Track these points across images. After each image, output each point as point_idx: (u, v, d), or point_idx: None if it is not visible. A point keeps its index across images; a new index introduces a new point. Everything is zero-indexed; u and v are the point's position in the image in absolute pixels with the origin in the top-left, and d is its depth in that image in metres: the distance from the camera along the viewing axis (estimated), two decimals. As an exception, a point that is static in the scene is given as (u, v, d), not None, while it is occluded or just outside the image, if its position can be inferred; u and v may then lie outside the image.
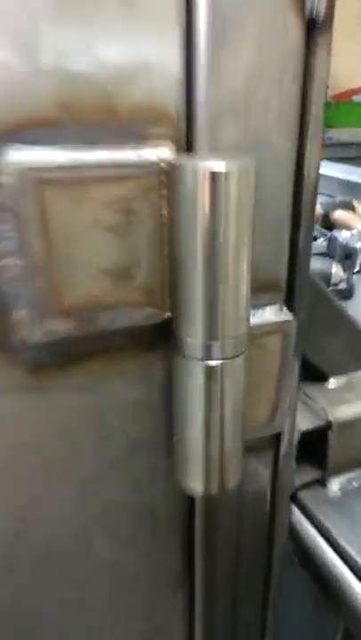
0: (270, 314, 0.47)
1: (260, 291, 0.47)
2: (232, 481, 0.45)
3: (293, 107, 0.41)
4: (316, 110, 0.42)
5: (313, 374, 0.60)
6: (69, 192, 0.36)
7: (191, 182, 0.35)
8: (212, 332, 0.39)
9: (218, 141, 0.40)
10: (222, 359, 0.40)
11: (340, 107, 3.97)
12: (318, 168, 0.45)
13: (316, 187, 0.45)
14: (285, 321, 0.48)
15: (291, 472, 0.54)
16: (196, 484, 0.44)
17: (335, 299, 0.59)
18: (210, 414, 0.42)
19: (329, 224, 1.54)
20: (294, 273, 0.48)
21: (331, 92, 3.86)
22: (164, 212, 0.39)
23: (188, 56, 0.37)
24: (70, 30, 0.34)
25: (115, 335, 0.41)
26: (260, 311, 0.47)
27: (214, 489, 0.44)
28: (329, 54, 0.40)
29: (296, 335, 0.49)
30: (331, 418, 0.55)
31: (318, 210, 1.54)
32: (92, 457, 0.45)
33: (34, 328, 0.38)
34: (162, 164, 0.38)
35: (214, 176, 0.35)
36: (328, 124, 4.00)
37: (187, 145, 0.40)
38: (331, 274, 1.12)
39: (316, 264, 1.13)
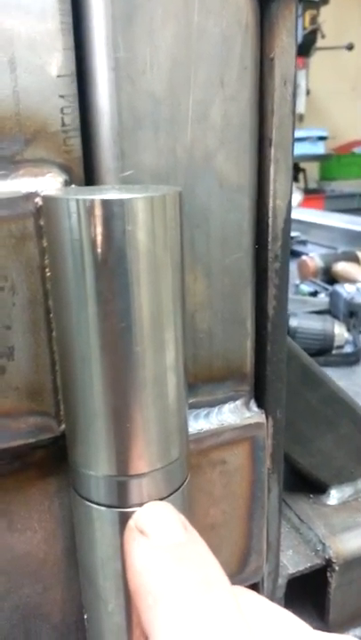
0: (230, 414, 0.33)
1: (215, 381, 0.32)
2: None
3: (246, 113, 0.28)
4: (281, 116, 0.29)
5: (307, 485, 0.45)
6: None
7: (71, 223, 0.22)
8: (124, 462, 0.25)
9: (134, 168, 0.27)
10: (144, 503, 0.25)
11: (341, 159, 3.96)
12: (289, 204, 0.31)
13: (287, 229, 0.32)
14: (254, 423, 0.33)
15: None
16: None
17: (330, 378, 0.44)
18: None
19: (330, 277, 1.41)
20: (265, 352, 0.34)
21: (332, 146, 3.86)
22: (50, 274, 0.25)
23: (80, 38, 0.25)
24: None
25: (-16, 460, 0.27)
26: (215, 410, 0.33)
27: None
28: (294, 32, 0.28)
29: (273, 441, 0.35)
30: (331, 554, 0.40)
31: (318, 263, 1.41)
32: None
33: None
34: (41, 203, 0.25)
35: (107, 210, 0.21)
36: (330, 177, 3.98)
37: (89, 175, 0.27)
38: (334, 335, 0.97)
39: (317, 324, 0.98)
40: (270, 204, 0.31)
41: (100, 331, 0.23)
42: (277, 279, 0.32)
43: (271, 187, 0.30)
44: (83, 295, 0.23)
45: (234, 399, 0.33)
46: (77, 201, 0.21)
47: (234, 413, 0.33)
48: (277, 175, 0.30)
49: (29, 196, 0.24)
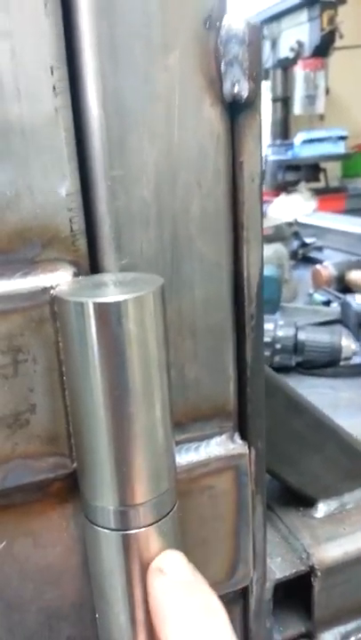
0: (217, 446, 0.39)
1: (203, 420, 0.39)
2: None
3: (220, 205, 0.35)
4: (250, 205, 0.35)
5: (297, 499, 0.51)
6: None
7: (78, 320, 0.29)
8: (124, 496, 0.31)
9: (129, 256, 0.33)
10: (143, 527, 0.32)
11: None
12: (261, 272, 0.37)
13: (260, 293, 0.38)
14: (237, 454, 0.39)
15: (265, 633, 0.44)
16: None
17: (314, 406, 0.50)
18: (133, 591, 0.33)
19: (344, 286, 1.45)
20: (245, 393, 0.40)
21: (353, 144, 3.85)
22: (62, 347, 0.32)
23: (83, 162, 0.31)
24: None
25: (14, 492, 0.34)
26: (203, 444, 0.39)
27: None
28: (259, 137, 0.34)
29: (255, 468, 0.41)
30: (314, 561, 0.45)
31: (332, 271, 1.46)
32: (2, 635, 0.37)
33: None
34: (55, 293, 0.31)
35: (105, 310, 0.28)
36: (353, 174, 3.97)
37: (93, 265, 0.33)
38: (341, 347, 1.02)
39: (324, 337, 1.03)
40: (245, 274, 0.37)
41: (101, 396, 0.30)
42: (253, 334, 0.38)
43: (245, 261, 0.36)
44: (87, 369, 0.29)
45: (220, 434, 0.39)
46: (82, 304, 0.28)
47: (220, 446, 0.39)
48: (250, 252, 0.36)
49: (46, 290, 0.31)
